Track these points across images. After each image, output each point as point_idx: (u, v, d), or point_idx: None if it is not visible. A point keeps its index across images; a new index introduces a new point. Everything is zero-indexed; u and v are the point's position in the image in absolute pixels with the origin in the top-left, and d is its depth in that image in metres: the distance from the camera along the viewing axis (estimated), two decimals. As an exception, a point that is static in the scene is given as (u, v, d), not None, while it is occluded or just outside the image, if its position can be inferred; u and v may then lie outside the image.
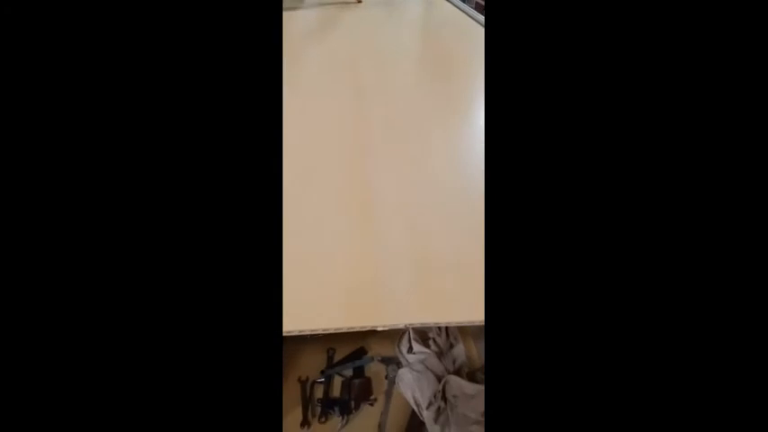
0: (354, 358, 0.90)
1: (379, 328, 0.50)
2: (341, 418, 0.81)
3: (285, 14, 1.82)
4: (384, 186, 0.69)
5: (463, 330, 0.94)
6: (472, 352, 0.92)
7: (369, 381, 0.88)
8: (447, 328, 0.92)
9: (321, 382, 0.86)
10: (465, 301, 0.51)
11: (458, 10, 1.88)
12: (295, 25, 1.72)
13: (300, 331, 0.50)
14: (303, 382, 0.85)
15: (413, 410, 0.82)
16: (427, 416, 0.79)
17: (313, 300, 0.52)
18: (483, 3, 2.46)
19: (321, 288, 0.54)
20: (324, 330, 0.50)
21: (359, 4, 2.00)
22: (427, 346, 0.88)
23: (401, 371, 0.86)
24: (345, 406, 0.82)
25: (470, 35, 1.55)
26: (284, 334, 0.50)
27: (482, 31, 1.54)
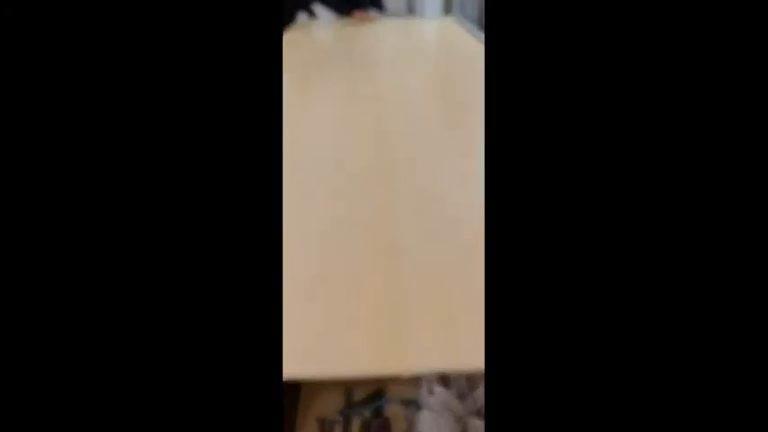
0: (373, 399, 0.89)
1: (403, 375, 0.50)
2: (360, 460, 0.80)
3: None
4: (405, 232, 0.69)
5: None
6: (493, 393, 0.90)
7: (387, 421, 0.86)
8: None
9: (340, 422, 0.85)
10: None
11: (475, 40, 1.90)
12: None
13: (314, 376, 0.50)
14: (321, 422, 0.85)
15: (432, 454, 0.80)
16: (448, 462, 0.77)
17: (332, 344, 0.52)
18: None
19: (341, 332, 0.54)
20: (342, 376, 0.50)
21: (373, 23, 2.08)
22: (447, 387, 0.87)
23: (421, 412, 0.84)
24: (364, 448, 0.81)
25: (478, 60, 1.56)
26: (303, 378, 0.50)
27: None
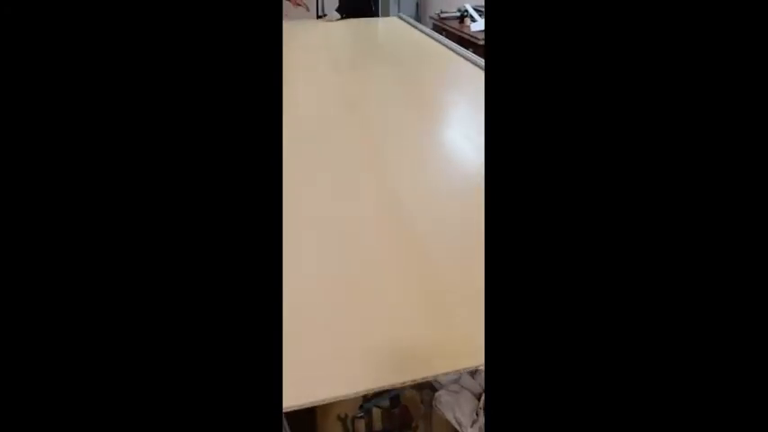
0: (389, 389, 0.91)
1: (408, 383, 0.50)
2: (387, 449, 0.82)
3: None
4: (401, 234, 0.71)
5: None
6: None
7: (406, 408, 0.88)
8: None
9: (361, 417, 0.86)
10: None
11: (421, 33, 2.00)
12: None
13: (335, 398, 0.49)
14: (343, 420, 0.86)
15: (455, 429, 0.83)
16: (473, 434, 0.80)
17: (340, 363, 0.51)
18: (440, 24, 2.58)
19: (345, 350, 0.53)
20: (355, 394, 0.49)
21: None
22: (458, 365, 0.90)
23: (438, 393, 0.87)
24: (390, 437, 0.83)
25: (433, 54, 1.65)
26: (316, 404, 0.49)
27: (440, 48, 1.67)
